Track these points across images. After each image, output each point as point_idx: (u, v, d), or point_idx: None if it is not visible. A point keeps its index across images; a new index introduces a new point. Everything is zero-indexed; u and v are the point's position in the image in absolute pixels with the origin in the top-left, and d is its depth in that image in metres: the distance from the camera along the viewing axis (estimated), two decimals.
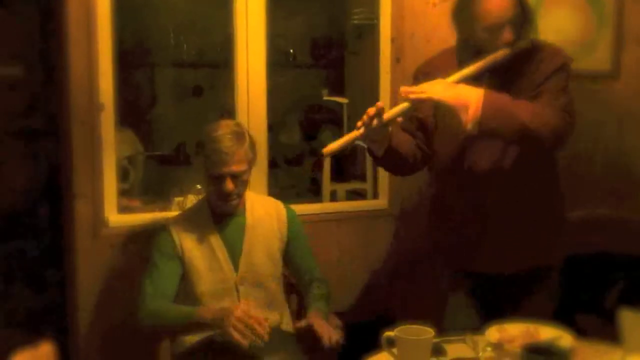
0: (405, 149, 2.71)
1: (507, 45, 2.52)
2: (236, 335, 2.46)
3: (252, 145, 2.81)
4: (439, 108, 2.66)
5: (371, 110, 2.46)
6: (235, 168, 2.73)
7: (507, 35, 2.51)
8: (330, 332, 2.64)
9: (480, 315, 2.72)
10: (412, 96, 2.50)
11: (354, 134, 2.51)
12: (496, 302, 2.74)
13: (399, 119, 2.56)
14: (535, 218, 2.66)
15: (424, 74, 2.74)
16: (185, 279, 2.80)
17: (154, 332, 2.80)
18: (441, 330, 2.72)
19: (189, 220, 2.89)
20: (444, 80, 2.50)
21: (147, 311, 2.71)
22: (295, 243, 2.97)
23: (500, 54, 2.53)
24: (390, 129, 2.57)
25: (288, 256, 2.97)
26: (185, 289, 2.81)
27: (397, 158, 2.69)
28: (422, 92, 2.48)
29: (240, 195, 2.84)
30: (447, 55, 2.73)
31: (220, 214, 2.86)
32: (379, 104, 2.49)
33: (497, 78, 2.55)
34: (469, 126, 2.42)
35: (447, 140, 2.70)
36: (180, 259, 2.79)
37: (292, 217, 3.00)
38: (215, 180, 2.74)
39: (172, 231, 2.82)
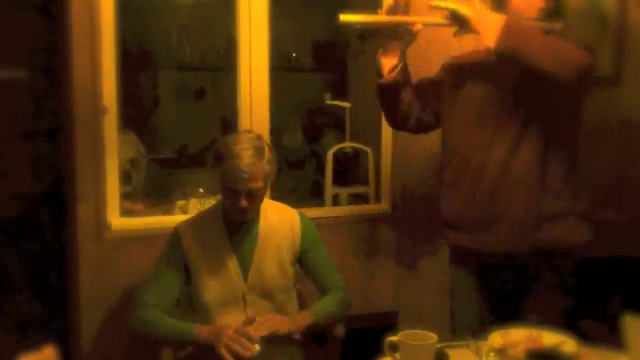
0: (406, 96, 2.79)
1: (539, 11, 2.56)
2: (226, 355, 2.46)
3: (271, 160, 2.72)
4: (456, 72, 2.77)
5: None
6: (252, 185, 2.65)
7: (540, 0, 2.57)
8: (255, 329, 2.57)
9: (488, 305, 2.76)
10: (434, 3, 2.55)
11: (376, 17, 2.61)
12: (505, 293, 2.74)
13: (418, 27, 2.61)
14: (555, 197, 2.64)
15: (450, 68, 2.84)
16: (192, 286, 2.77)
17: (145, 338, 2.77)
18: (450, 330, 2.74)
19: (201, 225, 2.83)
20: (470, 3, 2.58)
21: (141, 320, 2.69)
22: (311, 253, 2.89)
23: (546, 25, 2.56)
24: (409, 44, 2.68)
25: (305, 266, 2.90)
26: (191, 296, 2.79)
27: (397, 96, 2.78)
28: (450, 7, 2.54)
29: (255, 210, 2.77)
30: (476, 54, 2.74)
31: (233, 221, 2.80)
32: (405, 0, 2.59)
33: None
34: (487, 41, 2.47)
35: (467, 109, 2.72)
36: (187, 265, 2.75)
37: (306, 227, 2.91)
38: (230, 193, 2.67)
39: (181, 237, 2.78)
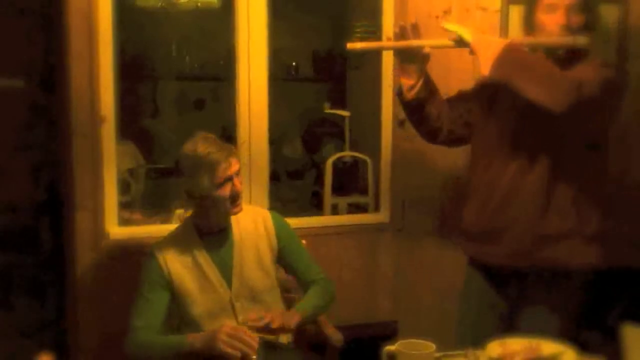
0: (433, 110, 2.79)
1: (560, 28, 2.56)
2: (227, 349, 2.44)
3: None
4: (489, 89, 2.78)
5: (402, 24, 2.64)
6: (235, 165, 2.71)
7: (561, 18, 2.56)
8: (280, 319, 2.60)
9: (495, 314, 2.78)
10: (444, 25, 2.62)
11: (382, 42, 2.64)
12: (508, 303, 2.77)
13: (427, 49, 2.68)
14: (560, 218, 2.63)
15: (484, 84, 2.85)
16: (178, 302, 2.75)
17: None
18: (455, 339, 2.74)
19: (175, 242, 2.82)
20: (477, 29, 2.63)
21: (136, 344, 2.67)
22: (288, 248, 2.92)
23: (570, 40, 2.55)
24: (425, 65, 2.73)
25: (284, 262, 2.92)
26: (180, 312, 2.77)
27: (422, 112, 2.79)
28: (456, 31, 2.60)
29: (240, 202, 2.80)
30: None
31: (207, 232, 2.81)
32: (413, 21, 2.65)
33: None
34: (482, 69, 2.50)
35: (493, 124, 2.74)
36: (169, 284, 2.73)
37: (279, 223, 2.94)
38: (217, 189, 2.69)
39: (158, 257, 2.75)
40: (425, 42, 2.69)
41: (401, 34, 2.67)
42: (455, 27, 2.61)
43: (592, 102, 2.44)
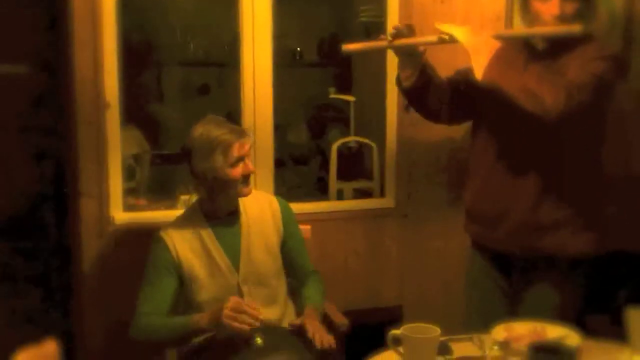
0: (433, 95, 2.81)
1: (554, 18, 2.53)
2: (234, 324, 2.44)
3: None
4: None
5: (397, 25, 2.67)
6: (247, 145, 2.74)
7: (554, 7, 2.53)
8: (322, 335, 2.61)
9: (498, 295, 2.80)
10: (438, 27, 2.61)
11: (377, 42, 2.74)
12: (511, 285, 2.79)
13: (421, 48, 2.70)
14: (554, 207, 2.63)
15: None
16: (186, 287, 2.76)
17: (150, 344, 2.75)
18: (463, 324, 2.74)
19: (183, 227, 2.82)
20: (473, 28, 2.60)
21: (140, 328, 2.68)
22: (291, 236, 2.93)
23: (563, 29, 2.52)
24: (422, 61, 2.73)
25: (284, 250, 2.92)
26: (186, 297, 2.77)
27: (421, 98, 2.82)
28: (448, 32, 2.58)
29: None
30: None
31: (214, 217, 2.81)
32: (408, 23, 2.70)
33: (540, 59, 2.61)
34: (475, 72, 2.50)
35: (493, 107, 2.70)
36: (178, 269, 2.73)
37: (285, 210, 2.95)
38: (234, 169, 2.70)
39: (167, 242, 2.75)
40: (419, 41, 2.69)
41: (396, 34, 2.65)
42: (449, 28, 2.59)
43: (583, 103, 2.43)
